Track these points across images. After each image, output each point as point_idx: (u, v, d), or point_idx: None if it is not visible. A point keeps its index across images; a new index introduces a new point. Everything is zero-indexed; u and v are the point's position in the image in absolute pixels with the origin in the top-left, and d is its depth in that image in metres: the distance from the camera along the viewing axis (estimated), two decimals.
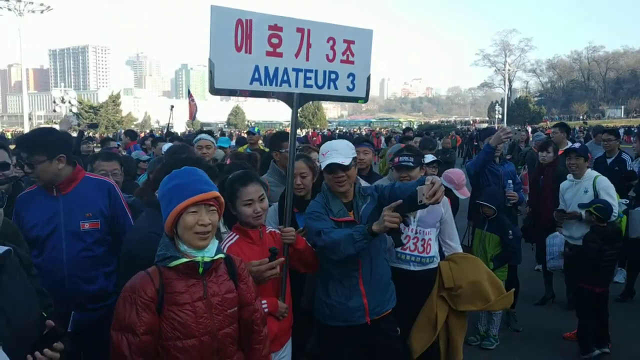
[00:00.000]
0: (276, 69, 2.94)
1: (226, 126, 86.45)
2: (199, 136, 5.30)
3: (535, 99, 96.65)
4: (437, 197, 2.59)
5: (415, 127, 60.84)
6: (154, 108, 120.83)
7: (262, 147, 8.45)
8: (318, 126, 76.02)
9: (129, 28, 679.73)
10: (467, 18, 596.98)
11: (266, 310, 2.76)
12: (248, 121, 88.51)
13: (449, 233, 4.00)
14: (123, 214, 3.24)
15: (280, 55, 2.94)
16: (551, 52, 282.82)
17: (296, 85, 3.05)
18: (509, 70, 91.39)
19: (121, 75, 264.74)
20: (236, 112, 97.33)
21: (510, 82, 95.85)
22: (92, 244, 3.09)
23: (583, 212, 4.93)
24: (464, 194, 4.84)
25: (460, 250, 4.03)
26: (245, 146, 8.89)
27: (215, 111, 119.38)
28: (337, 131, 57.81)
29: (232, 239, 2.86)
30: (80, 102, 58.21)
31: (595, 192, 5.03)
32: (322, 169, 3.04)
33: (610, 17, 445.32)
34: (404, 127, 38.82)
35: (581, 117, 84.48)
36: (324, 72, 3.15)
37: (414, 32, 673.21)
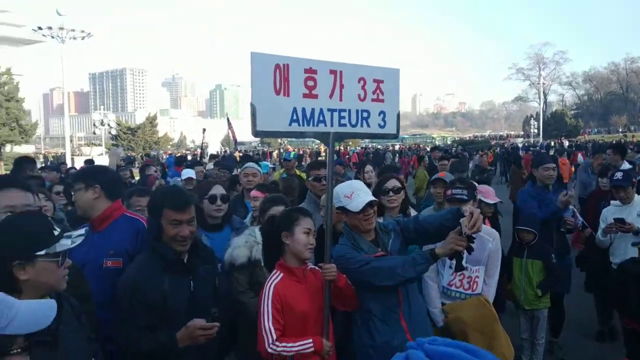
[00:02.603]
0: (312, 110, 3.04)
1: (260, 144, 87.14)
2: (247, 164, 5.48)
3: (572, 112, 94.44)
4: (478, 227, 2.65)
5: (449, 142, 60.04)
6: (189, 128, 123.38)
7: (298, 172, 8.47)
8: (350, 143, 75.79)
9: (164, 50, 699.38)
10: (499, 32, 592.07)
11: (312, 349, 2.83)
12: (281, 140, 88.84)
13: (489, 269, 3.94)
14: None
15: (316, 96, 3.04)
16: (587, 64, 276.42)
17: (331, 125, 3.14)
18: (543, 83, 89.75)
19: (157, 96, 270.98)
20: None
21: (545, 95, 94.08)
22: (114, 284, 2.93)
23: None
24: (491, 198, 4.85)
25: (491, 293, 3.92)
26: (281, 171, 8.99)
27: (248, 129, 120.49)
28: (368, 149, 57.16)
29: (276, 278, 2.92)
30: (118, 124, 59.72)
31: None
32: (355, 209, 3.03)
33: None
34: (436, 143, 38.46)
35: (620, 130, 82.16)
36: (357, 111, 3.24)
37: (446, 47, 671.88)
